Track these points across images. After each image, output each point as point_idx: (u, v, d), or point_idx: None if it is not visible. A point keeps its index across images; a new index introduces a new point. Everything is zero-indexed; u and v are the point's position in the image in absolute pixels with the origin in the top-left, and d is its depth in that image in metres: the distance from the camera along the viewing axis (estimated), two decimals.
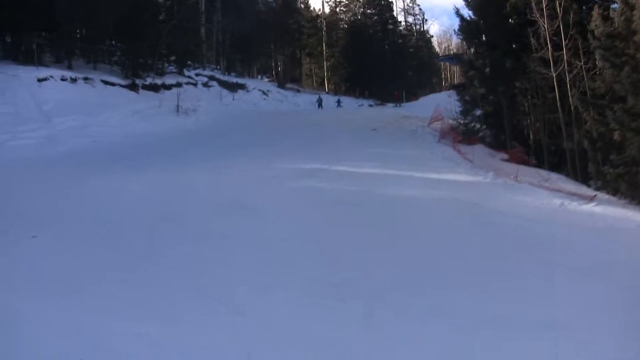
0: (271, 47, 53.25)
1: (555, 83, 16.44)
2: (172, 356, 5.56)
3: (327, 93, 52.15)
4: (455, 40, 68.34)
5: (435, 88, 60.65)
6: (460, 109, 21.87)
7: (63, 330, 5.87)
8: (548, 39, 16.51)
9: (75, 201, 11.40)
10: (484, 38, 20.55)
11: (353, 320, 6.54)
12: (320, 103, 41.08)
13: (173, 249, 8.81)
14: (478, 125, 21.05)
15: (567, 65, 16.00)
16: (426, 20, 69.68)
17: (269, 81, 49.67)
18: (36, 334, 5.78)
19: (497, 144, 19.17)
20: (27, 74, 20.66)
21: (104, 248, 8.75)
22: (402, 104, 43.19)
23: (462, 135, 19.82)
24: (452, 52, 62.16)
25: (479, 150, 17.16)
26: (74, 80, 22.59)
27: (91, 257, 8.30)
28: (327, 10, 62.57)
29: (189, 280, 7.55)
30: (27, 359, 5.31)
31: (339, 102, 44.74)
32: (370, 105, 46.33)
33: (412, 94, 50.66)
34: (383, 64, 53.53)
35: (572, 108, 15.86)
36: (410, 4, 68.03)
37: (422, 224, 10.55)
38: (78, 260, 8.14)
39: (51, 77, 21.47)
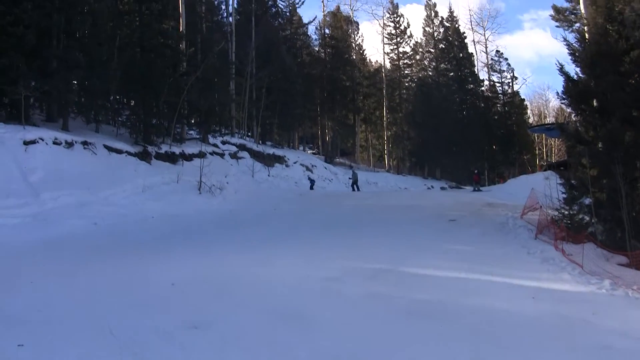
0: (317, 109, 53.84)
1: None
2: None
3: (389, 171, 52.60)
4: (552, 104, 68.33)
5: (527, 167, 60.61)
6: (564, 195, 21.90)
7: None
8: None
9: (70, 300, 11.38)
10: (595, 103, 20.75)
11: None
12: (355, 182, 39.67)
13: None
14: (587, 218, 20.94)
15: None
16: (516, 78, 68.16)
17: (314, 153, 50.49)
18: None
19: (612, 243, 18.93)
20: (11, 134, 20.91)
21: None
22: (483, 188, 43.32)
23: (566, 230, 19.79)
24: (547, 120, 62.25)
25: (590, 251, 16.98)
26: (69, 144, 23.17)
27: None
28: (388, 64, 62.90)
29: None
30: None
31: (312, 182, 40.73)
32: (442, 188, 46.61)
33: (498, 175, 50.83)
34: (459, 134, 53.83)
35: None
36: (496, 58, 67.47)
37: (520, 347, 10.57)
38: None
39: (41, 139, 21.79)
